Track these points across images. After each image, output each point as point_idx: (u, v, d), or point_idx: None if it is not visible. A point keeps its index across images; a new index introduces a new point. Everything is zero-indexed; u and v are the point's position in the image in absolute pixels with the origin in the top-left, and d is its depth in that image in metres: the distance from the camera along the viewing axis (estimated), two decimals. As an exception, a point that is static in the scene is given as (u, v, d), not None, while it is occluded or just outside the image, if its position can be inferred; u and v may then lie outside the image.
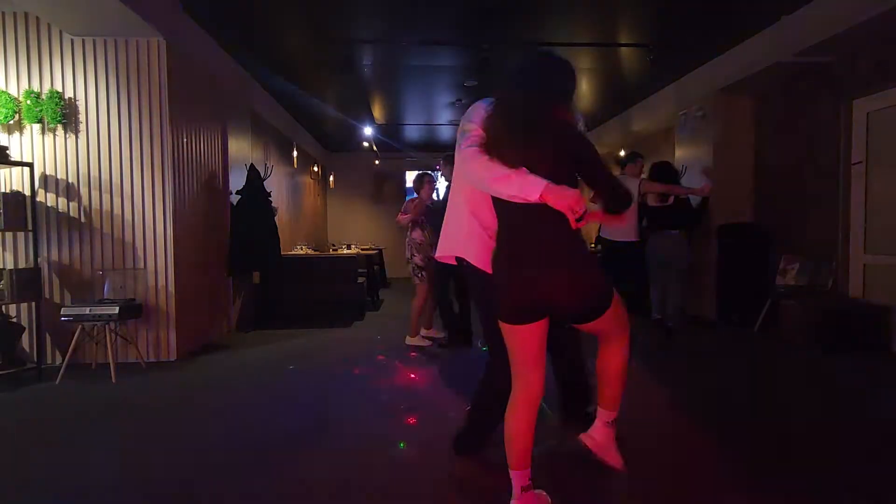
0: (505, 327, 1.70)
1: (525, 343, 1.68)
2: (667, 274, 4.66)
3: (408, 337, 4.56)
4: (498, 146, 1.62)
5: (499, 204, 1.72)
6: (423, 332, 4.59)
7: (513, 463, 1.70)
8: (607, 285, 1.71)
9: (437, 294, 4.48)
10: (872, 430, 2.60)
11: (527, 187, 1.51)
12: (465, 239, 1.99)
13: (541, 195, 1.49)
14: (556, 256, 1.61)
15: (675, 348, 4.39)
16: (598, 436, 1.90)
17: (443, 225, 2.15)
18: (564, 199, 1.47)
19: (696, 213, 5.04)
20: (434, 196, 4.67)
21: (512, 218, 1.69)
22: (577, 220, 1.51)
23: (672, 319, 4.63)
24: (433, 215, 4.34)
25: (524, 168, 1.55)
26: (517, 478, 1.70)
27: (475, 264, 1.96)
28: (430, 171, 4.78)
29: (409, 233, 4.56)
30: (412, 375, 3.71)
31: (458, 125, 1.94)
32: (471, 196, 1.96)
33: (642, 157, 4.92)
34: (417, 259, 4.50)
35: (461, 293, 4.46)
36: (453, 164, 4.60)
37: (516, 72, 1.69)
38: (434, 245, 4.45)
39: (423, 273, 4.46)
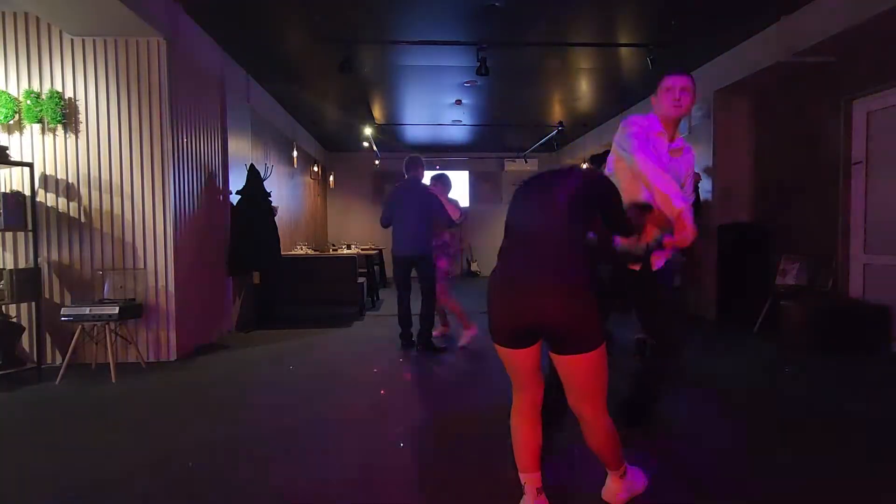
0: (498, 349, 1.71)
1: (519, 365, 1.71)
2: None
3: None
4: None
5: (513, 223, 1.75)
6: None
7: (524, 466, 1.73)
8: (596, 328, 1.61)
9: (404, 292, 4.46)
10: (872, 431, 2.60)
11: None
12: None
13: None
14: (551, 277, 1.59)
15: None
16: (617, 489, 1.84)
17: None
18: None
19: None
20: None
21: (518, 238, 1.71)
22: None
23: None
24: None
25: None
26: (531, 480, 1.72)
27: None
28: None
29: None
30: (412, 375, 3.71)
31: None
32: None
33: None
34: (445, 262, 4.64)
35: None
36: (413, 166, 4.54)
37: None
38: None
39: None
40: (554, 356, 1.67)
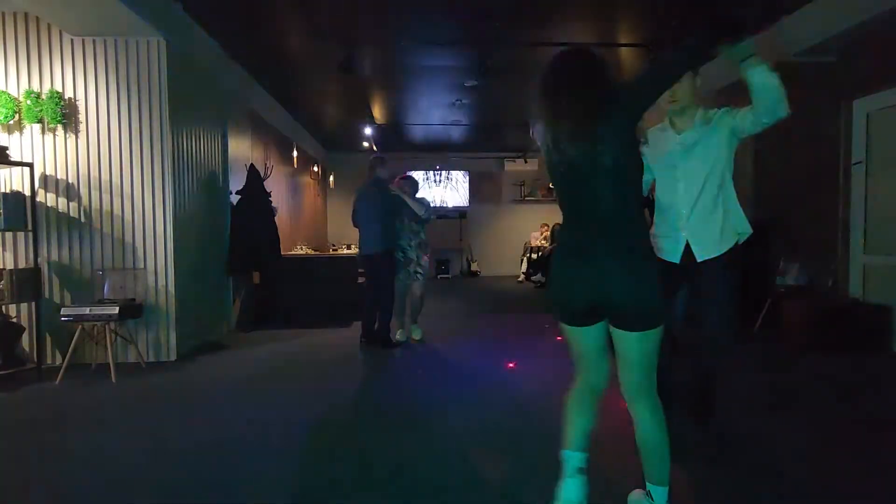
0: (563, 327, 1.71)
1: (582, 344, 1.69)
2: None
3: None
4: None
5: (562, 199, 1.69)
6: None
7: (568, 443, 1.70)
8: (659, 304, 1.58)
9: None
10: (872, 431, 2.60)
11: None
12: None
13: None
14: (612, 254, 1.56)
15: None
16: None
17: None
18: None
19: None
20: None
21: (571, 213, 1.67)
22: None
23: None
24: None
25: None
26: (572, 458, 1.69)
27: None
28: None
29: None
30: (413, 375, 3.71)
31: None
32: None
33: None
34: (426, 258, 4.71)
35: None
36: (376, 166, 4.59)
37: None
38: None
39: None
40: (615, 332, 1.62)
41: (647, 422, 1.63)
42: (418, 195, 4.73)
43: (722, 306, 2.39)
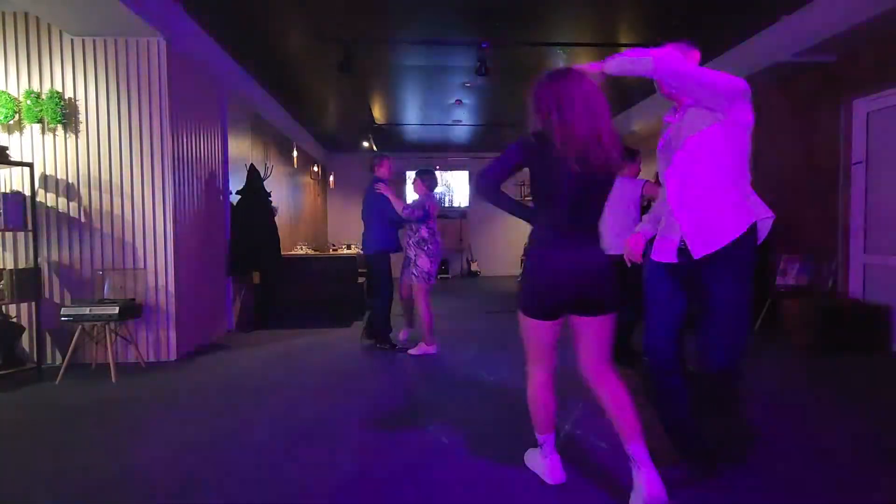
0: (527, 321, 1.92)
1: (548, 337, 1.93)
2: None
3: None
4: None
5: (555, 204, 1.85)
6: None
7: (542, 428, 1.99)
8: (617, 288, 1.89)
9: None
10: (871, 430, 2.60)
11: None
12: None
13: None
14: (599, 252, 1.87)
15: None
16: (650, 488, 1.71)
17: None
18: None
19: None
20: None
21: (567, 218, 1.84)
22: None
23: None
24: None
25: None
26: (549, 440, 2.00)
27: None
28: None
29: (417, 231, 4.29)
30: (412, 376, 3.71)
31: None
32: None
33: (640, 153, 4.18)
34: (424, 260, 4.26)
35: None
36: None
37: None
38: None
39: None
40: (588, 321, 1.87)
41: (616, 385, 1.87)
42: (435, 191, 4.55)
43: (728, 326, 1.87)
